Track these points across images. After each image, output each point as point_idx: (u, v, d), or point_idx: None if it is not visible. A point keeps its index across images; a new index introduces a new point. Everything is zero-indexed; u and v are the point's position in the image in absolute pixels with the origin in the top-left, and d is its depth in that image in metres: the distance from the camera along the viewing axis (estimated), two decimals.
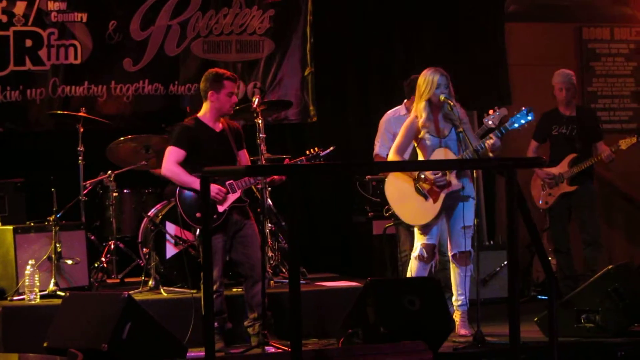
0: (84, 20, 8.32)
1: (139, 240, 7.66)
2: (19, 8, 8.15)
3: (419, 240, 6.59)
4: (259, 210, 6.76)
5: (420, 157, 6.62)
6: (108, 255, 7.75)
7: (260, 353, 6.18)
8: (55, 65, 8.27)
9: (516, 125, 6.57)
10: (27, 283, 6.78)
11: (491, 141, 6.45)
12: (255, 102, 6.98)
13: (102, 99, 8.41)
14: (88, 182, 7.64)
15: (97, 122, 7.72)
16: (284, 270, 7.60)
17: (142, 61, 8.50)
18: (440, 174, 6.46)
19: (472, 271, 6.58)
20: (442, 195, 6.49)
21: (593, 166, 8.12)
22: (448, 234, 6.60)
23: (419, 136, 6.54)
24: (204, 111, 6.61)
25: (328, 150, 6.84)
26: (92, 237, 7.77)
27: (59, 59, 8.27)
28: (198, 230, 6.61)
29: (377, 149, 7.35)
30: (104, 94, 8.42)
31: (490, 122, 6.59)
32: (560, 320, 6.17)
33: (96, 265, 7.63)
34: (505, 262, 7.83)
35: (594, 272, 7.06)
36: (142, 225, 7.66)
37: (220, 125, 6.63)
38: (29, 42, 8.20)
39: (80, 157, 7.55)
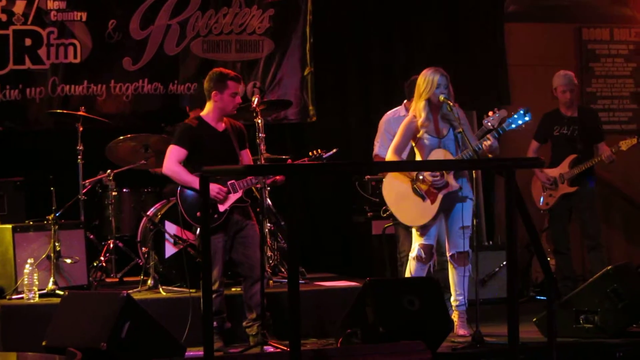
0: (84, 19, 8.33)
1: (138, 239, 7.66)
2: (19, 7, 8.15)
3: (417, 241, 6.59)
4: (258, 210, 6.76)
5: (418, 157, 6.61)
6: (107, 255, 7.75)
7: (259, 353, 6.17)
8: (54, 64, 8.27)
9: (514, 125, 6.56)
10: (26, 282, 6.78)
11: (488, 142, 6.44)
12: (255, 102, 6.98)
13: (101, 98, 8.42)
14: (87, 181, 7.64)
15: (97, 121, 7.72)
16: (283, 270, 7.60)
17: (141, 60, 8.50)
18: (438, 175, 6.46)
19: (470, 271, 6.58)
20: (440, 196, 6.48)
21: (594, 167, 8.12)
22: (446, 235, 6.60)
23: (418, 136, 6.53)
24: (207, 110, 6.61)
25: (331, 152, 6.85)
26: (91, 236, 7.78)
27: (59, 58, 8.28)
28: (199, 229, 6.60)
29: (377, 149, 7.35)
30: (103, 93, 8.42)
31: (489, 124, 6.59)
32: (559, 320, 6.17)
33: (95, 264, 7.63)
34: (504, 263, 7.83)
35: (593, 273, 7.06)
36: (141, 224, 7.66)
37: (223, 124, 6.62)
38: (28, 41, 8.20)
39: (79, 156, 7.55)
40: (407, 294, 6.08)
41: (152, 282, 7.22)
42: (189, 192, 6.50)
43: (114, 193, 7.79)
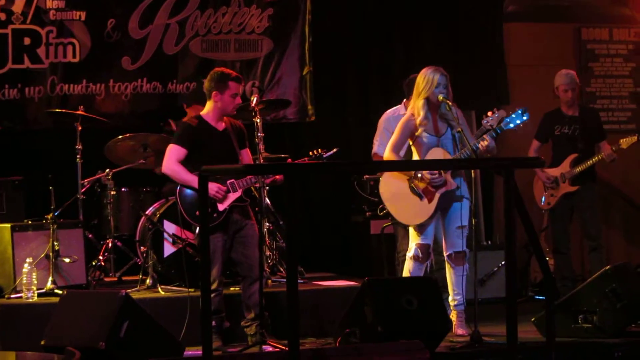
0: (83, 18, 8.32)
1: (137, 238, 7.67)
2: (18, 6, 8.15)
3: (414, 240, 6.58)
4: (257, 209, 6.76)
5: (415, 156, 6.60)
6: (106, 254, 7.75)
7: (258, 352, 6.17)
8: (53, 63, 8.27)
9: (511, 125, 6.56)
10: (24, 281, 6.78)
11: (485, 142, 6.43)
12: (254, 101, 6.98)
13: (100, 97, 8.41)
14: (86, 180, 7.64)
15: (96, 120, 7.72)
16: (281, 270, 7.59)
17: (140, 60, 8.50)
18: (437, 174, 6.45)
19: (467, 271, 6.58)
20: (437, 195, 6.48)
21: (594, 167, 8.12)
22: (443, 234, 6.60)
23: (416, 134, 6.53)
24: (207, 110, 6.60)
25: (331, 152, 6.84)
26: (90, 236, 7.77)
27: (58, 57, 8.27)
28: (198, 228, 6.60)
29: (376, 147, 7.34)
30: (102, 92, 8.42)
31: (488, 124, 6.58)
32: (558, 320, 6.16)
33: (94, 263, 7.63)
34: (503, 262, 7.83)
35: (592, 274, 7.06)
36: (140, 223, 7.66)
37: (223, 124, 6.62)
38: (27, 40, 8.20)
39: (78, 156, 7.55)
40: (405, 294, 6.08)
41: (151, 281, 7.22)
42: (188, 191, 6.50)
43: (112, 192, 7.78)
